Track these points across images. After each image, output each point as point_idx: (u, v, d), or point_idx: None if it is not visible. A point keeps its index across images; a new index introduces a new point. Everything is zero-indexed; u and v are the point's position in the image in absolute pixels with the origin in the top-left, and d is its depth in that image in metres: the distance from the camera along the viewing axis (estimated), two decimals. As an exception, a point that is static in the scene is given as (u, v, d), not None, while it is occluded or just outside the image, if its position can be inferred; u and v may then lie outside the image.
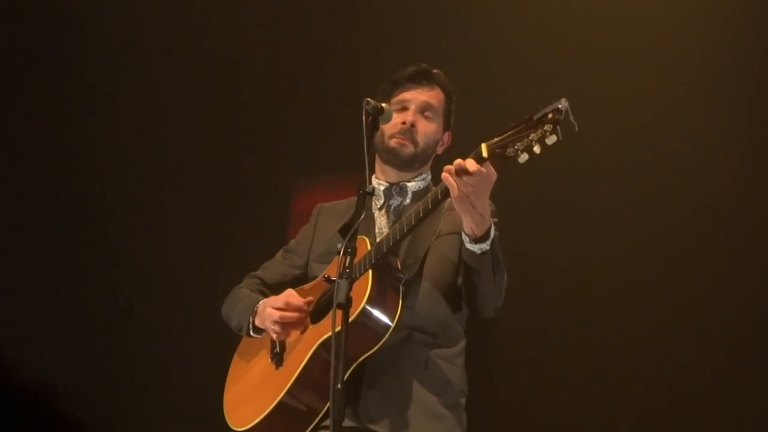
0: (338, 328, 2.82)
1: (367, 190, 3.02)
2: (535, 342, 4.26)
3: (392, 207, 3.43)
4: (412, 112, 3.40)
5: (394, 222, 3.33)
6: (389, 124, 3.27)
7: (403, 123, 3.36)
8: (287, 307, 3.30)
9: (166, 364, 4.80)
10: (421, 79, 3.44)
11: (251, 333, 3.44)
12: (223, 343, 3.65)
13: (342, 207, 3.56)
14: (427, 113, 3.43)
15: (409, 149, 3.39)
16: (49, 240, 5.04)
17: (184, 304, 4.80)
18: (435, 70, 3.47)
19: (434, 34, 4.59)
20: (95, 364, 4.87)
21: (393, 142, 3.38)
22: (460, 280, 3.22)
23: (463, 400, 3.30)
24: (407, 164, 3.41)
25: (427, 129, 3.42)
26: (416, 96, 3.42)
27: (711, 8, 4.28)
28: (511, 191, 4.01)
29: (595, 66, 4.33)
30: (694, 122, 4.23)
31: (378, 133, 3.28)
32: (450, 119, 3.51)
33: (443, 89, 3.48)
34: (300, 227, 3.67)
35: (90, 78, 5.09)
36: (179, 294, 4.83)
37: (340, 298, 2.84)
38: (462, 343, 3.34)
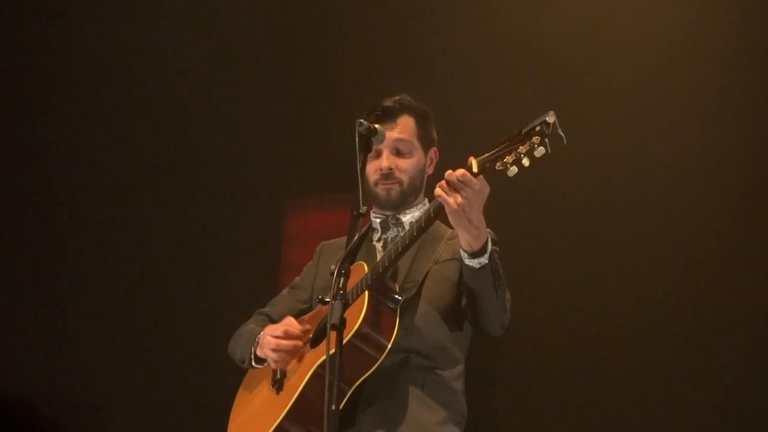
0: (333, 350, 2.83)
1: (360, 211, 3.05)
2: (539, 364, 4.19)
3: (389, 238, 3.45)
4: (386, 156, 3.40)
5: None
6: (370, 170, 3.36)
7: (381, 170, 3.39)
8: (285, 335, 3.32)
9: (164, 393, 4.73)
10: (385, 118, 3.39)
11: (253, 363, 3.44)
12: (219, 371, 3.64)
13: (343, 243, 3.58)
14: (400, 149, 3.41)
15: (396, 190, 3.41)
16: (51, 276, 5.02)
17: (175, 324, 4.71)
18: (397, 98, 3.45)
19: (428, 52, 4.52)
20: (95, 398, 4.83)
21: (379, 189, 3.41)
22: (464, 302, 3.21)
23: (462, 424, 3.27)
24: (401, 203, 3.44)
25: (406, 165, 3.42)
26: (385, 138, 3.35)
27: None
28: (512, 210, 4.03)
29: (589, 77, 4.30)
30: (692, 128, 4.17)
31: (366, 173, 3.33)
32: (429, 137, 3.50)
33: (411, 113, 3.45)
34: (293, 249, 3.70)
35: (79, 96, 5.04)
36: (169, 315, 4.76)
37: (334, 319, 2.86)
38: (460, 367, 3.32)
